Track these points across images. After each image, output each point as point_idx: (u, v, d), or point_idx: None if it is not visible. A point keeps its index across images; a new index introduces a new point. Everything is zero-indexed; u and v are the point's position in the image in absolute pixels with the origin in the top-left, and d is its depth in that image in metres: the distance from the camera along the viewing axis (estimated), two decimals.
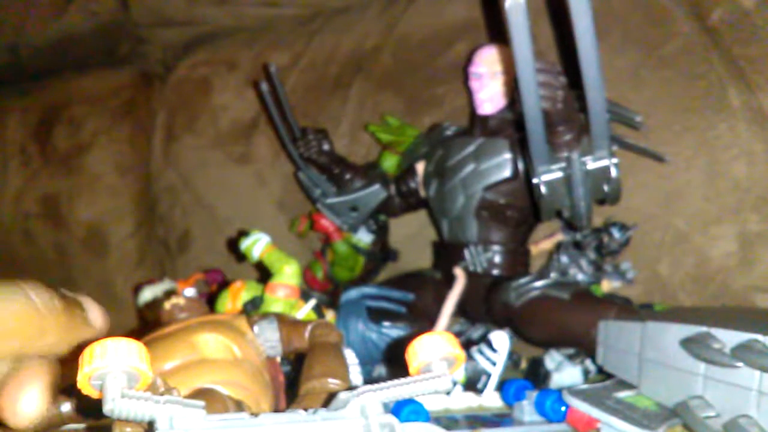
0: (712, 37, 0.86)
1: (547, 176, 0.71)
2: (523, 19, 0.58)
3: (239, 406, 0.40)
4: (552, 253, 0.90)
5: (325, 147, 1.00)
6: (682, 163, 0.87)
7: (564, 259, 0.87)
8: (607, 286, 0.87)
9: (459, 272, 0.86)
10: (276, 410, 0.46)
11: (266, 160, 1.19)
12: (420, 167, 0.98)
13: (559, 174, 0.71)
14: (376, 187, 0.98)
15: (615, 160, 0.69)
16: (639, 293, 0.88)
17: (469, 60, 0.93)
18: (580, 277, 0.86)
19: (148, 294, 1.04)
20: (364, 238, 1.03)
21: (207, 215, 1.23)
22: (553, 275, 0.88)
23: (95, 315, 0.36)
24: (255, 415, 0.30)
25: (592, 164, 0.70)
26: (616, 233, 0.86)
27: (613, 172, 0.69)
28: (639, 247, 0.88)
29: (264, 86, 0.97)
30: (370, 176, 1.01)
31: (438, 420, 0.59)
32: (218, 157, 1.22)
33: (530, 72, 0.61)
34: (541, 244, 0.94)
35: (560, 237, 0.92)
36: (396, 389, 0.30)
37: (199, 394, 0.39)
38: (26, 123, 1.36)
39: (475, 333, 0.86)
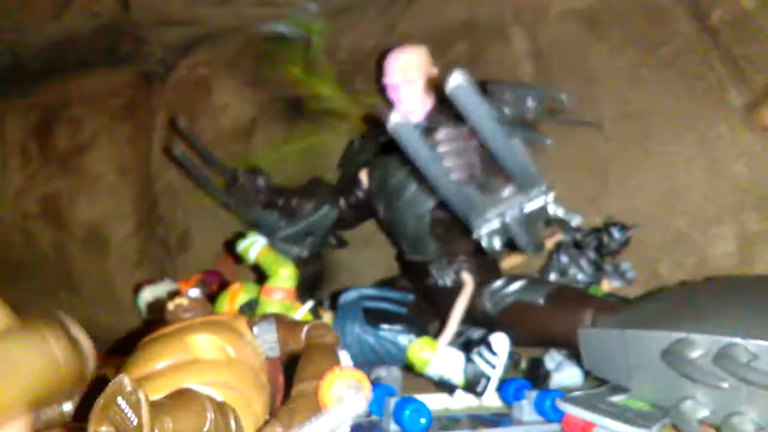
0: (712, 37, 0.86)
1: (486, 228, 0.67)
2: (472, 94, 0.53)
3: (221, 407, 0.40)
4: (552, 253, 0.90)
5: (260, 183, 0.97)
6: (682, 163, 0.87)
7: (564, 259, 0.87)
8: (607, 286, 0.87)
9: (467, 277, 0.84)
10: (272, 410, 0.46)
11: (265, 160, 1.19)
12: (363, 175, 0.95)
13: (497, 224, 0.66)
14: (326, 209, 0.95)
15: (551, 197, 0.64)
16: (639, 293, 0.88)
17: (382, 72, 0.89)
18: (580, 277, 0.86)
19: (148, 294, 1.04)
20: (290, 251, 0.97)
21: (207, 215, 1.23)
22: (552, 275, 0.88)
23: (87, 345, 0.37)
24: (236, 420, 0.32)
25: (528, 206, 0.65)
26: (616, 233, 0.86)
27: (551, 210, 0.65)
28: (639, 247, 0.88)
29: (178, 149, 0.90)
30: (316, 196, 0.97)
31: (438, 419, 0.59)
32: (218, 157, 1.22)
33: (435, 164, 0.57)
34: None
35: (560, 237, 0.92)
36: (317, 425, 0.35)
37: (177, 395, 0.39)
38: (26, 123, 1.36)
39: (475, 333, 0.86)
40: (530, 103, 0.82)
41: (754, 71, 0.83)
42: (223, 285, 1.01)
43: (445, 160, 0.63)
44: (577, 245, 0.87)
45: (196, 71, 1.29)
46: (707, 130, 0.86)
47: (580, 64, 0.94)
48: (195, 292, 0.55)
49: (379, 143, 0.93)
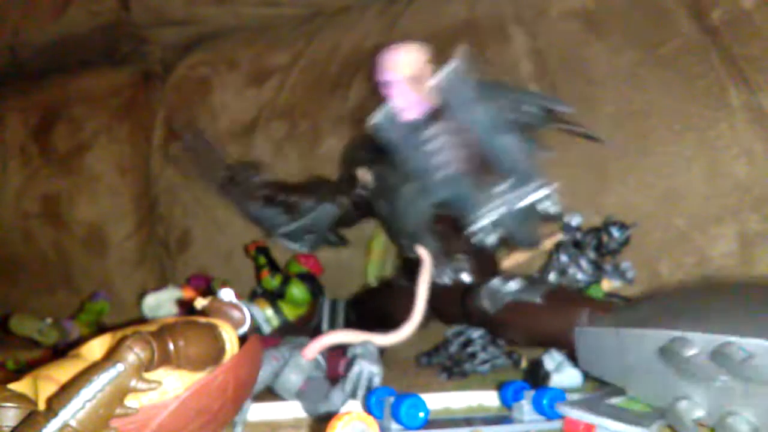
0: (712, 37, 0.86)
1: (480, 223, 0.69)
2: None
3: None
4: (552, 253, 0.90)
5: (255, 179, 0.97)
6: (682, 163, 0.87)
7: (564, 258, 0.87)
8: (607, 285, 0.87)
9: (422, 252, 0.82)
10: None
11: (266, 160, 1.19)
12: (361, 173, 0.94)
13: (491, 219, 0.69)
14: (327, 205, 0.95)
15: (547, 191, 0.66)
16: (639, 293, 0.88)
17: (375, 69, 0.87)
18: (580, 276, 0.86)
19: (151, 300, 1.04)
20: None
21: (207, 215, 1.23)
22: (552, 275, 0.88)
23: None
24: None
25: (523, 201, 0.67)
26: (616, 232, 0.86)
27: (545, 207, 0.67)
28: (639, 247, 0.88)
29: (173, 152, 0.97)
30: (317, 193, 0.97)
31: (438, 419, 0.59)
32: (220, 153, 1.22)
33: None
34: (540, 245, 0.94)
35: (560, 236, 0.92)
36: None
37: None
38: (26, 123, 1.36)
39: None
40: (527, 108, 0.82)
41: (754, 71, 0.83)
42: (207, 290, 1.01)
43: (442, 152, 0.63)
44: (577, 245, 0.87)
45: (196, 71, 1.29)
46: (707, 130, 0.86)
47: (580, 64, 0.94)
48: (227, 294, 0.53)
49: (379, 141, 0.93)
